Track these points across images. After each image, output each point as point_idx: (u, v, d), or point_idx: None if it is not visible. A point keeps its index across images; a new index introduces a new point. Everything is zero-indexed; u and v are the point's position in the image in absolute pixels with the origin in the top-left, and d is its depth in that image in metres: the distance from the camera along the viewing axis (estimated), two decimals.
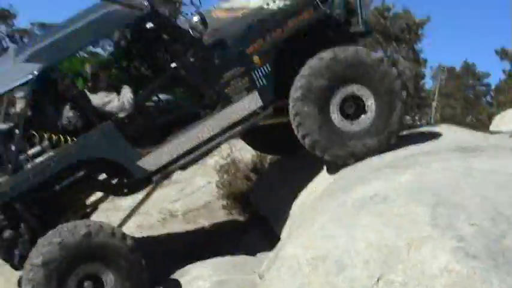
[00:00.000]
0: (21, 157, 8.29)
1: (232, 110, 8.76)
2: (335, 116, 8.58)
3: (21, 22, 42.63)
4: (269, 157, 12.23)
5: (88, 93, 8.80)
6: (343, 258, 6.49)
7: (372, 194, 7.27)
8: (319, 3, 9.18)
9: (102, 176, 9.07)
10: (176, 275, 8.52)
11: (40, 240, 7.91)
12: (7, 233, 8.31)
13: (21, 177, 8.23)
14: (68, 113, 8.59)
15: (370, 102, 8.60)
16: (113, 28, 9.06)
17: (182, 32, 8.78)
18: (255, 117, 8.89)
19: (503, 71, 35.43)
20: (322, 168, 9.33)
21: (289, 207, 9.23)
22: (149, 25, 9.04)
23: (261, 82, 8.82)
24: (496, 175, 7.40)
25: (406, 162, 8.11)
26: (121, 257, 8.01)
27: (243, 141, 11.60)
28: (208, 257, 8.93)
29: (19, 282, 9.04)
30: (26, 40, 43.51)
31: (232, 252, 9.34)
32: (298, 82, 8.55)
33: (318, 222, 7.23)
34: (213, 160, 14.13)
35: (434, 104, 30.33)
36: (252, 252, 9.10)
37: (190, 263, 8.62)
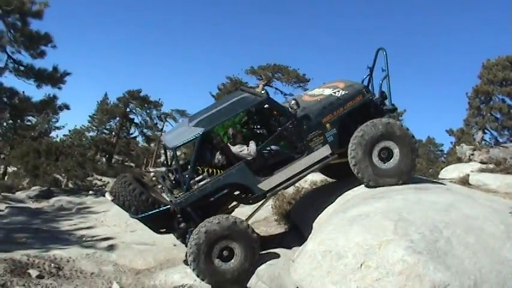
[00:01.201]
0: (191, 181, 8.74)
1: (313, 155, 9.07)
2: (375, 159, 8.76)
3: (165, 108, 42.97)
4: (302, 191, 12.16)
5: (230, 146, 9.26)
6: (341, 252, 6.51)
7: (359, 213, 7.26)
8: (366, 93, 9.55)
9: (237, 192, 9.39)
10: None
11: (195, 230, 8.40)
12: (183, 225, 8.83)
13: (191, 193, 8.68)
14: (218, 156, 9.09)
15: (396, 151, 8.76)
16: (244, 107, 9.36)
17: (285, 110, 9.19)
18: (327, 159, 9.16)
19: (451, 143, 35.19)
20: (332, 198, 9.30)
21: (312, 221, 9.16)
22: (266, 106, 9.56)
23: (330, 139, 9.11)
24: (435, 204, 7.33)
25: (381, 195, 8.07)
26: (243, 236, 8.37)
27: None
28: (266, 249, 8.93)
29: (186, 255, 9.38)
30: (168, 119, 44.15)
31: (279, 246, 9.31)
32: (354, 140, 8.80)
33: (327, 230, 7.22)
34: None
35: None
36: (290, 247, 9.06)
37: None
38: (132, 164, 42.07)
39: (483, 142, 31.44)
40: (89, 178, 25.77)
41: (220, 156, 9.09)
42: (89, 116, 43.28)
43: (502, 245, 6.45)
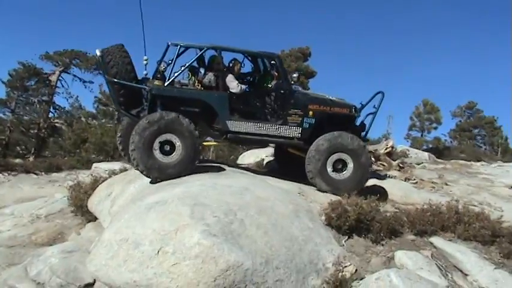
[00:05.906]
0: (176, 80, 9.51)
1: (283, 129, 9.47)
2: (329, 169, 9.20)
3: None
4: (100, 181, 11.76)
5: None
6: (138, 239, 6.46)
7: (157, 200, 7.27)
8: (354, 110, 9.92)
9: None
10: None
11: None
12: (142, 114, 9.13)
13: (171, 88, 9.14)
14: (210, 77, 9.54)
15: (350, 163, 9.25)
16: (254, 52, 10.18)
17: (286, 74, 9.71)
18: (291, 141, 9.59)
19: None
20: (130, 187, 9.22)
21: (110, 211, 8.99)
22: (273, 63, 9.96)
23: (306, 125, 9.50)
24: (230, 188, 7.68)
25: (179, 181, 8.22)
26: (184, 130, 8.67)
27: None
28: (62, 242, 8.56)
29: None
30: None
31: (76, 238, 8.97)
32: (313, 146, 9.26)
33: (124, 218, 7.10)
34: (66, 183, 13.54)
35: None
36: (87, 238, 8.81)
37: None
38: None
39: None
40: None
41: (212, 78, 9.52)
42: None
43: (291, 223, 7.03)
